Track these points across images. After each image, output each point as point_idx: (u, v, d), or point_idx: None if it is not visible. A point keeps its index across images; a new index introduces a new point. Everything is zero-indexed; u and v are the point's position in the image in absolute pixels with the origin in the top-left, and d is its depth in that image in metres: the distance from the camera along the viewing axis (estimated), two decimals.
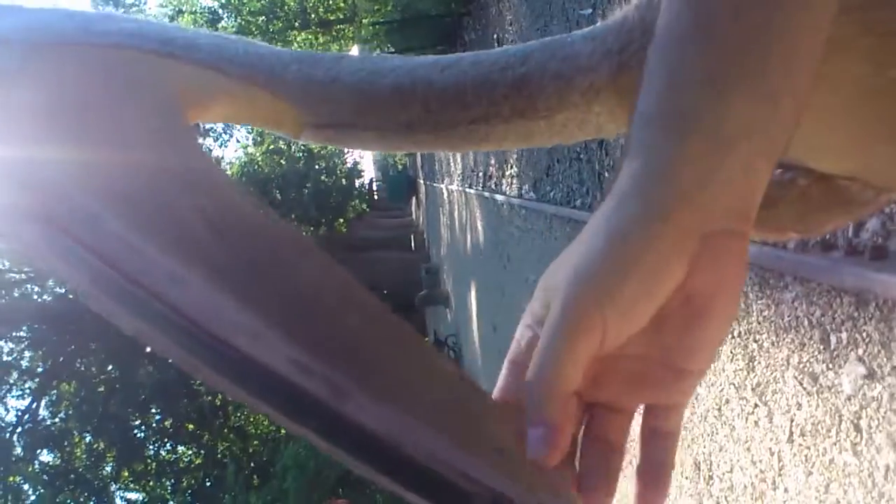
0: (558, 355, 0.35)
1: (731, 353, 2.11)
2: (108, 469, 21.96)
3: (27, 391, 22.03)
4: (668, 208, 0.36)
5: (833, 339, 1.64)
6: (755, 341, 1.97)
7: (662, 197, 0.36)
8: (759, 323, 1.96)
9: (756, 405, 1.96)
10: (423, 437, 0.30)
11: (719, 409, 2.19)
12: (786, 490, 1.81)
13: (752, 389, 1.98)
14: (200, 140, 0.46)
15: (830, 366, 1.64)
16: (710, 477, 2.28)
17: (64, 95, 0.41)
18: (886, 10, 0.45)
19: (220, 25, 23.60)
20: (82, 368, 18.37)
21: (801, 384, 1.75)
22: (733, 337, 2.11)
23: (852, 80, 0.50)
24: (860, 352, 1.55)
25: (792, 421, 1.78)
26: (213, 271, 0.33)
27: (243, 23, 22.93)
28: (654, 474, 0.39)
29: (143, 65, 0.46)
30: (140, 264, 0.33)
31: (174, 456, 21.19)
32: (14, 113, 0.40)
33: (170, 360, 0.33)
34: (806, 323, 1.74)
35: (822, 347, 1.68)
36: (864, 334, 1.54)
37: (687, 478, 2.48)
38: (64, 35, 0.45)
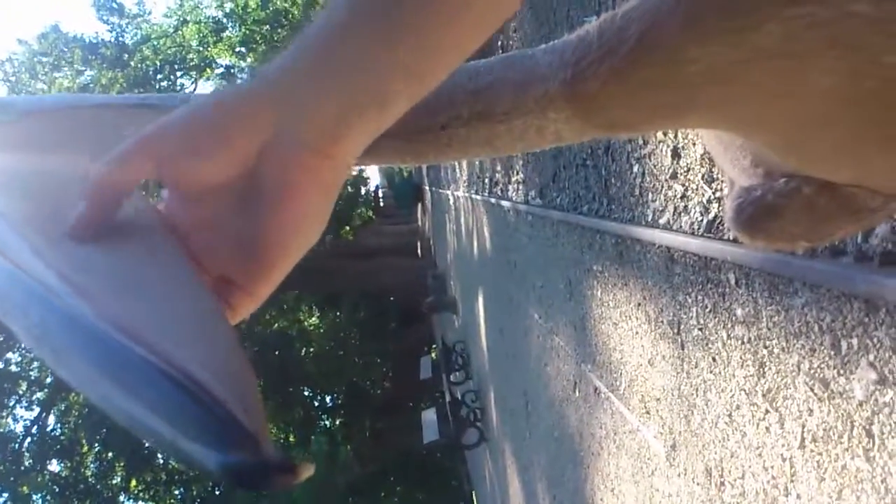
0: (109, 158, 0.41)
1: (742, 358, 2.11)
2: (118, 479, 21.98)
3: (36, 402, 22.10)
4: (249, 91, 0.41)
5: (844, 344, 1.63)
6: (765, 347, 1.97)
7: (254, 81, 0.42)
8: (769, 329, 1.95)
9: (767, 411, 1.95)
10: (137, 323, 0.34)
11: (730, 416, 2.19)
12: (798, 496, 1.81)
13: (763, 395, 1.97)
14: None
15: (841, 371, 1.64)
16: (722, 483, 2.27)
17: (32, 140, 0.50)
18: (851, 23, 0.45)
19: (224, 35, 23.70)
20: None
21: (812, 390, 1.74)
22: (743, 343, 2.10)
23: (827, 92, 0.50)
24: (871, 357, 1.54)
25: (803, 427, 1.78)
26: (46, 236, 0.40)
27: (248, 32, 23.03)
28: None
29: (118, 118, 0.53)
30: None
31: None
32: None
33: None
34: (816, 329, 1.74)
35: (832, 353, 1.67)
36: (875, 340, 1.54)
37: (698, 484, 2.47)
38: (63, 102, 0.54)
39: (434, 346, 20.57)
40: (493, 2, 0.40)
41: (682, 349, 2.59)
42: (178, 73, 25.33)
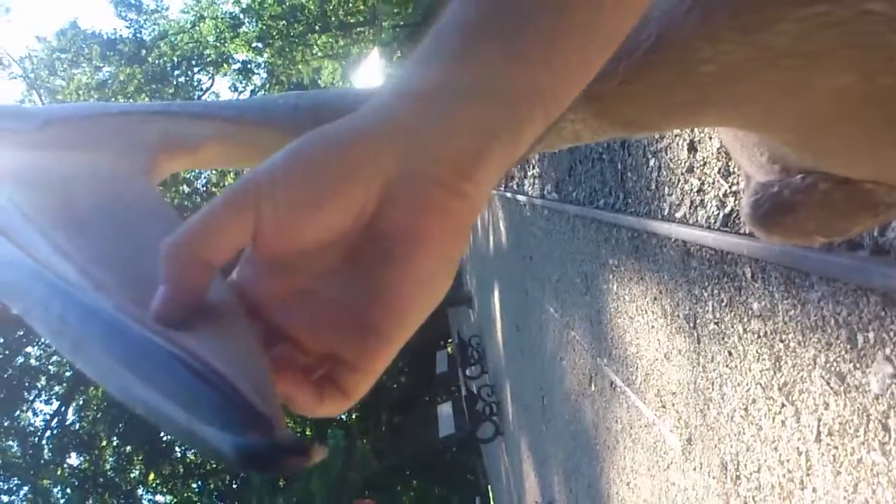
0: (195, 220, 0.34)
1: (758, 352, 2.11)
2: (136, 472, 22.17)
3: (55, 396, 22.31)
4: (365, 127, 0.35)
5: (860, 338, 1.64)
6: (781, 341, 1.97)
7: (367, 114, 0.35)
8: (785, 323, 1.95)
9: (783, 405, 1.96)
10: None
11: (746, 409, 2.19)
12: (814, 490, 1.81)
13: (779, 389, 1.98)
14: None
15: (857, 365, 1.64)
16: (738, 477, 2.27)
17: (55, 146, 0.50)
18: (867, 22, 0.45)
19: (240, 30, 23.74)
20: None
21: (828, 384, 1.75)
22: (759, 337, 2.10)
23: (841, 90, 0.50)
24: (888, 351, 1.54)
25: (819, 420, 1.78)
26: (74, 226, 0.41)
27: (264, 27, 23.04)
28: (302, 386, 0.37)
29: (138, 124, 0.53)
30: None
31: (201, 458, 21.37)
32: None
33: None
34: (832, 322, 1.74)
35: (848, 347, 1.67)
36: (892, 333, 1.54)
37: (714, 478, 2.48)
38: (85, 111, 0.53)
39: (450, 340, 20.57)
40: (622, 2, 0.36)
41: (698, 343, 2.60)
42: (196, 69, 25.42)
